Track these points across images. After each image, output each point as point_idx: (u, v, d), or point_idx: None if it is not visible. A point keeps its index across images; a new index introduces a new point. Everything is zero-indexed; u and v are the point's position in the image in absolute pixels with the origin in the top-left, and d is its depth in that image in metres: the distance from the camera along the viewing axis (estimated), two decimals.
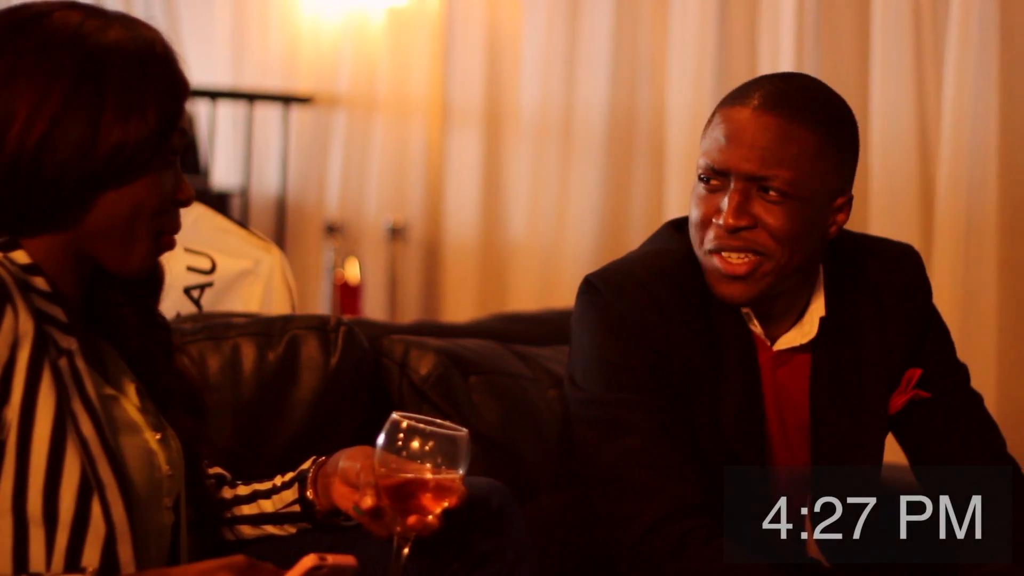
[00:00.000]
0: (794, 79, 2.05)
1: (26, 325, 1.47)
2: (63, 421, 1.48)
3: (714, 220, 1.97)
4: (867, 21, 3.87)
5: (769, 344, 2.05)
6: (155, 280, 1.69)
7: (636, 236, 4.48)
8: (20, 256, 1.53)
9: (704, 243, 1.99)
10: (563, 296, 4.63)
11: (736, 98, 1.99)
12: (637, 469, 1.94)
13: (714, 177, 1.97)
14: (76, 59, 1.53)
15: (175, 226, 1.63)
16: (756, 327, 2.04)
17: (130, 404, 1.62)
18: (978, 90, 3.56)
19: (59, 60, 1.52)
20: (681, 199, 4.28)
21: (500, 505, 1.75)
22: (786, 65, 3.97)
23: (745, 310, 2.03)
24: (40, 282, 1.53)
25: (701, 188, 1.99)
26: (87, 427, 1.51)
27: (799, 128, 1.95)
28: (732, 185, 1.95)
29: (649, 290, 2.00)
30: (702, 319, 2.01)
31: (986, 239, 3.56)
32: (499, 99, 5.12)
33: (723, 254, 1.97)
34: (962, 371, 2.16)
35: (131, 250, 1.58)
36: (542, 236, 4.93)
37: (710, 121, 2.01)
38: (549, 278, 4.87)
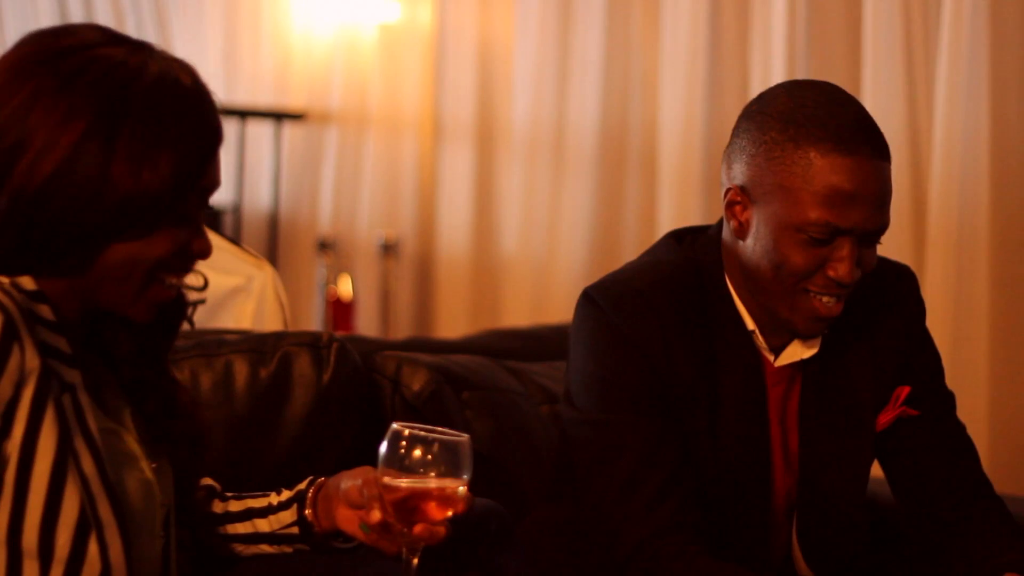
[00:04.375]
0: (856, 104, 1.96)
1: (32, 362, 1.45)
2: (64, 459, 1.47)
3: (826, 274, 1.90)
4: (858, 35, 3.88)
5: (772, 359, 2.02)
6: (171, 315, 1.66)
7: (629, 251, 4.48)
8: (26, 282, 1.49)
9: (807, 285, 1.91)
10: (556, 311, 4.63)
11: (843, 141, 1.88)
12: (628, 490, 1.92)
13: (830, 235, 1.88)
14: (100, 98, 1.48)
15: (180, 273, 1.58)
16: (760, 340, 2.00)
17: (129, 435, 1.61)
18: (969, 103, 3.56)
19: (82, 96, 1.48)
20: (673, 213, 4.27)
21: (498, 526, 1.74)
22: (777, 79, 3.97)
23: (752, 326, 2.00)
24: (45, 310, 1.50)
25: (806, 239, 1.88)
26: (88, 465, 1.50)
27: (890, 166, 1.94)
28: (851, 239, 1.89)
29: (648, 301, 1.96)
30: (702, 333, 1.98)
31: (978, 252, 3.56)
32: (491, 114, 5.12)
33: (824, 300, 1.92)
34: (950, 398, 2.13)
35: (127, 300, 1.54)
36: (534, 251, 4.92)
37: (802, 161, 1.87)
38: (541, 293, 4.86)
